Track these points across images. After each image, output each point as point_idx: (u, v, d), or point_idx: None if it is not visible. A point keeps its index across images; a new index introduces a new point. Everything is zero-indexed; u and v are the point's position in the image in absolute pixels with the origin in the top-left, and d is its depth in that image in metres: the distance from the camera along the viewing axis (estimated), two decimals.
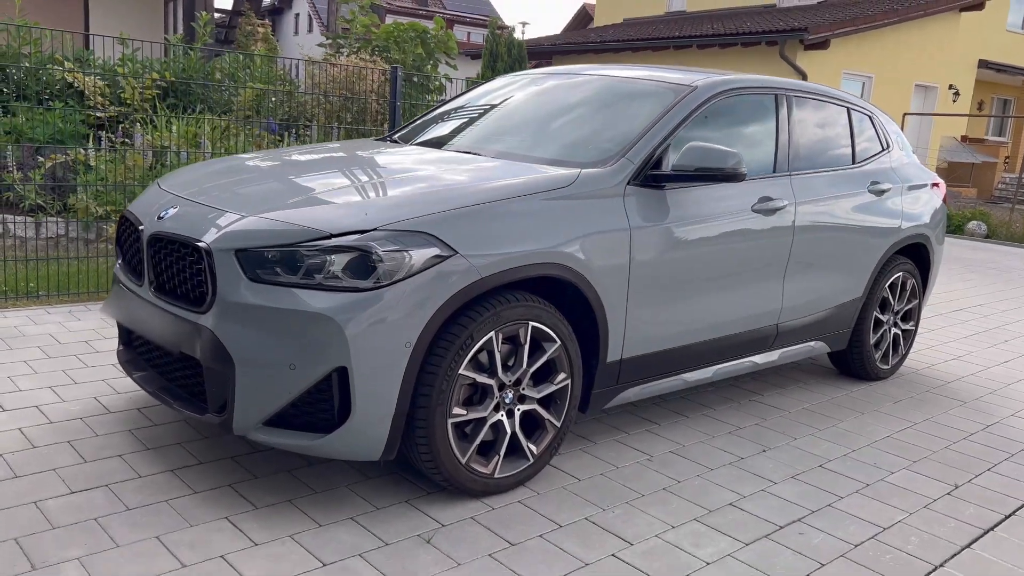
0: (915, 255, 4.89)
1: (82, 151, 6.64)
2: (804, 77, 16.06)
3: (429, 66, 9.89)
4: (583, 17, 34.75)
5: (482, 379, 2.84)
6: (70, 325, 4.64)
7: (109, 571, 2.33)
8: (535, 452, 3.05)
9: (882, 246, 4.48)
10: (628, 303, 3.22)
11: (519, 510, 2.91)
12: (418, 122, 4.36)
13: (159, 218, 2.97)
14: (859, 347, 4.60)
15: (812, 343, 4.33)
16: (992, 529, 3.07)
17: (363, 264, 2.60)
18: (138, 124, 7.08)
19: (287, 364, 2.57)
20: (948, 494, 3.35)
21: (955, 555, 2.85)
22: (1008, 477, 3.57)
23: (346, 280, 2.58)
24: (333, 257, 2.60)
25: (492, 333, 2.81)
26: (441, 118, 4.29)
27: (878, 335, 4.69)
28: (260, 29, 11.99)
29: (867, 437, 3.91)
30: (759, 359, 4.02)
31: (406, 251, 2.62)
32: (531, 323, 2.92)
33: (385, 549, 2.58)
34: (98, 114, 6.95)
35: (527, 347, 2.94)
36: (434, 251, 2.66)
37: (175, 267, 2.85)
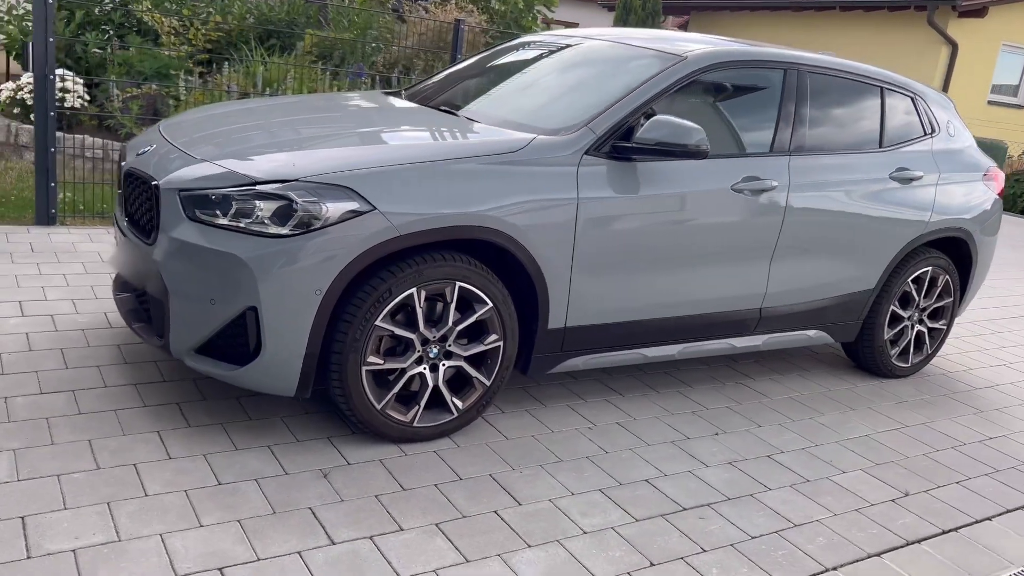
0: (951, 250, 4.57)
1: (168, 86, 7.16)
2: (954, 47, 14.80)
3: (528, 18, 9.88)
4: None
5: (401, 332, 2.97)
6: None
7: (33, 465, 2.66)
8: (459, 407, 3.17)
9: (902, 237, 4.22)
10: (573, 273, 3.24)
11: (430, 459, 3.05)
12: (433, 79, 4.46)
13: (137, 155, 3.25)
14: (870, 341, 4.39)
15: (809, 332, 4.17)
16: (918, 542, 2.94)
17: (286, 212, 2.77)
18: (227, 63, 7.53)
19: (208, 299, 2.80)
20: (892, 500, 3.21)
21: (855, 561, 2.77)
22: (975, 493, 3.37)
23: (271, 226, 2.76)
24: (261, 203, 2.78)
25: (413, 289, 2.93)
26: (449, 77, 4.36)
27: (895, 331, 4.45)
28: None
29: (841, 434, 3.76)
30: (738, 342, 3.92)
31: (323, 203, 2.76)
32: (458, 283, 3.01)
33: (282, 478, 2.79)
34: (167, 52, 7.45)
35: (453, 306, 3.04)
36: (352, 205, 2.79)
37: (138, 201, 3.13)
